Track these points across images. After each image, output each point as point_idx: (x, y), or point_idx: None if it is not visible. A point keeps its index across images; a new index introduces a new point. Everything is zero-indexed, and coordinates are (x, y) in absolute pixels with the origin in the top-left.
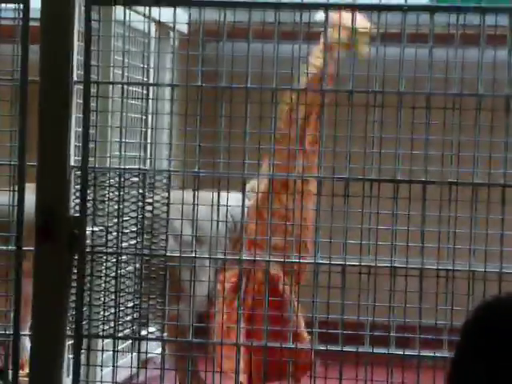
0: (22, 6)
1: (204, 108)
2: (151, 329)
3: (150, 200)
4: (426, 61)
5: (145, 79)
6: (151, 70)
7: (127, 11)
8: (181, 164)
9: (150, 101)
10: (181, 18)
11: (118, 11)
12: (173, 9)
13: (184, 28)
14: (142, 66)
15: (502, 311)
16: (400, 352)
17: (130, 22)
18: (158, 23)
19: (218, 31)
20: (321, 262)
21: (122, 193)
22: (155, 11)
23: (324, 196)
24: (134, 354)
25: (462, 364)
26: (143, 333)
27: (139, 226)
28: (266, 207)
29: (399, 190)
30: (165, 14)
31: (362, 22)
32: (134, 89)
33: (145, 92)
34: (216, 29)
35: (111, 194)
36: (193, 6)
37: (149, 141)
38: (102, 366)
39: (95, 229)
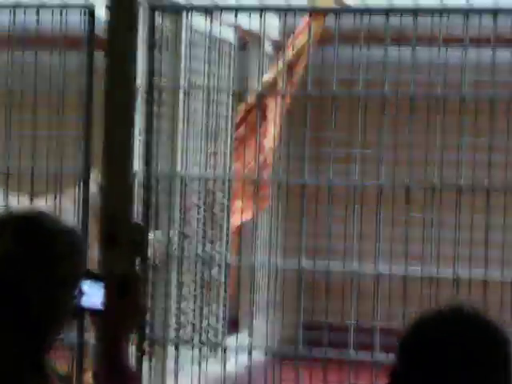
0: (87, 13)
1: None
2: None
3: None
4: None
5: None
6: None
7: (203, 18)
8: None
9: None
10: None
11: (197, 19)
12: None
13: (275, 34)
14: (201, 71)
15: (438, 325)
16: None
17: (211, 30)
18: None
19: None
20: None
21: (183, 199)
22: (240, 18)
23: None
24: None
25: (402, 374)
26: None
27: (201, 233)
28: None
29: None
30: (252, 21)
31: None
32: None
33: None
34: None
35: (173, 200)
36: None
37: (209, 148)
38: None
39: (158, 235)
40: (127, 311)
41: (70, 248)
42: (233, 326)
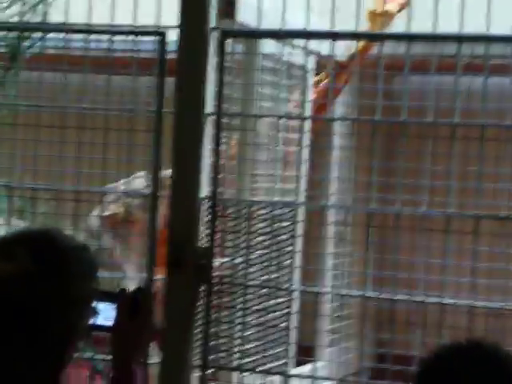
0: (158, 38)
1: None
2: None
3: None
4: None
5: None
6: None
7: (274, 43)
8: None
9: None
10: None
11: (269, 43)
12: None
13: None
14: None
15: (455, 358)
16: None
17: (282, 55)
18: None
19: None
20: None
21: (249, 224)
22: (312, 43)
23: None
24: None
25: None
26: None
27: (265, 259)
28: None
29: None
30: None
31: None
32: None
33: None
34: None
35: (239, 225)
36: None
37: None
38: None
39: (223, 260)
40: (137, 330)
41: (84, 266)
42: (299, 354)
